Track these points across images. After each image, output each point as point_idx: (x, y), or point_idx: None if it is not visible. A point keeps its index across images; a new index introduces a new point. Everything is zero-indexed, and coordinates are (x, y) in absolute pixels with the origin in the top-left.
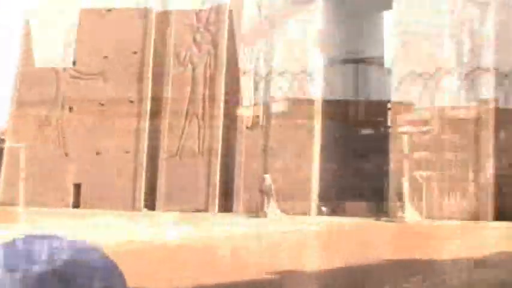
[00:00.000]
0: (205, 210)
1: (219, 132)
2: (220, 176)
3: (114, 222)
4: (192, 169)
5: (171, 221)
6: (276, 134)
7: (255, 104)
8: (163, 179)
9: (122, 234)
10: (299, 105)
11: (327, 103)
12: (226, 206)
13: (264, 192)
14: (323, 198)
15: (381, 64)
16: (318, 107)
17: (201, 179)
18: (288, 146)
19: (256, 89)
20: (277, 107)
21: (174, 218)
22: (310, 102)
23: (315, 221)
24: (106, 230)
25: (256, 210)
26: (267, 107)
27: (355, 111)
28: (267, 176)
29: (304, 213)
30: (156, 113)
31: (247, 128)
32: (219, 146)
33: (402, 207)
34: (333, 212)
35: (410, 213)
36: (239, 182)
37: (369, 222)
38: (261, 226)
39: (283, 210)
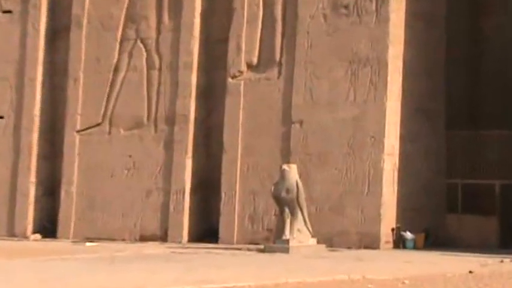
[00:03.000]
0: (160, 237)
1: (192, 80)
2: (194, 169)
3: None
4: (134, 155)
5: None
6: (311, 80)
7: (263, 21)
8: (75, 173)
9: None
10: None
11: None
12: (201, 229)
13: (282, 201)
14: (408, 214)
15: None
16: None
17: (150, 176)
18: (335, 106)
19: None
20: (315, 26)
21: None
22: None
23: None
24: None
25: (266, 238)
26: (291, 25)
27: None
28: (292, 168)
29: (367, 246)
30: (59, 38)
31: (248, 68)
32: (190, 111)
33: None
34: (426, 240)
35: None
36: (229, 182)
37: None
38: None
39: (324, 239)
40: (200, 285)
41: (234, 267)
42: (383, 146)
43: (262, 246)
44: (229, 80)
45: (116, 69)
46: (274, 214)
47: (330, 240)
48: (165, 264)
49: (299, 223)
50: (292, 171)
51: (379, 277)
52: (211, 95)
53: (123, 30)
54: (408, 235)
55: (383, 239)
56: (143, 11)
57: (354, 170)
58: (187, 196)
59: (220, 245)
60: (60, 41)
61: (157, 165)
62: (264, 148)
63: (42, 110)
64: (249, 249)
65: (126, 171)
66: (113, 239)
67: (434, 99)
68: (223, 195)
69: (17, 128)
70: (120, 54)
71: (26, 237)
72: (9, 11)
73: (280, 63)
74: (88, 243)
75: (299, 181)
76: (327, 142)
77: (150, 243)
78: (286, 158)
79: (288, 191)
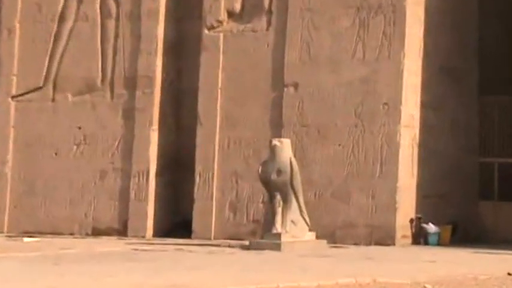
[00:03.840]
0: (118, 231)
1: (157, 33)
2: (160, 145)
3: None
4: (85, 127)
5: None
6: (309, 32)
7: None
8: (9, 150)
9: None
10: None
11: None
12: (170, 221)
13: (272, 185)
14: (431, 201)
15: None
16: None
17: (105, 153)
18: (339, 65)
19: None
20: None
21: None
22: None
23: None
24: None
25: (252, 232)
26: None
27: None
28: (284, 143)
29: (379, 241)
30: None
31: (229, 17)
32: (156, 71)
33: None
34: (454, 234)
35: None
36: (206, 161)
37: None
38: None
39: (325, 233)
40: None
41: (212, 268)
42: (399, 116)
43: (247, 242)
44: (206, 31)
45: (62, 18)
46: (262, 201)
47: (332, 234)
48: (125, 264)
49: (293, 213)
50: (285, 148)
51: (393, 280)
52: (183, 51)
53: None
54: (431, 228)
55: (399, 232)
56: None
57: (362, 146)
58: (152, 179)
59: (194, 241)
60: None
61: (114, 139)
62: (249, 118)
63: None
64: (230, 246)
65: (74, 148)
66: (58, 233)
67: (464, 57)
68: (197, 177)
69: None
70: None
71: None
72: None
73: (269, 11)
74: (27, 239)
75: (293, 160)
76: (329, 111)
77: (105, 238)
78: (277, 130)
79: (279, 172)
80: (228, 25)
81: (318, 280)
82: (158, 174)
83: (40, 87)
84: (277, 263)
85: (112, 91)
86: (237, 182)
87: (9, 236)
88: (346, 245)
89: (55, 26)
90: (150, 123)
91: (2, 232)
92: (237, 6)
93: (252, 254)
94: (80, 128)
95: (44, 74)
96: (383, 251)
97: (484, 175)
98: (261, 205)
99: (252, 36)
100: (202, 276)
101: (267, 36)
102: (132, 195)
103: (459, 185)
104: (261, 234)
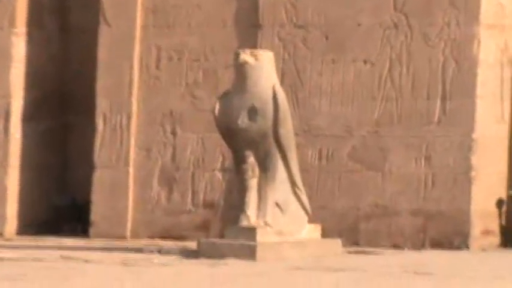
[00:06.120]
0: None
1: None
2: (30, 60)
3: None
4: None
5: None
6: None
7: None
8: None
9: None
10: None
11: None
12: (50, 204)
13: (241, 138)
14: None
15: None
16: None
17: None
18: None
19: None
20: None
21: None
22: None
23: None
24: None
25: (203, 224)
26: None
27: None
28: (262, 58)
29: (438, 242)
30: None
31: None
32: None
33: None
34: None
35: None
36: (114, 92)
37: None
38: None
39: (339, 227)
40: None
41: None
42: (478, 5)
43: (193, 245)
44: None
45: None
46: (221, 168)
47: (352, 228)
48: None
49: (280, 189)
50: (264, 67)
51: None
52: None
53: None
54: None
55: (477, 225)
56: None
57: (408, 63)
58: (15, 126)
59: (94, 242)
60: None
61: None
62: (196, 11)
63: None
64: (162, 252)
65: None
66: None
67: None
68: (100, 123)
69: None
70: None
71: None
72: None
73: None
74: None
75: (280, 90)
76: None
77: None
78: (251, 34)
79: (253, 113)
80: None
81: None
82: (27, 117)
83: None
84: (249, 284)
85: None
86: (174, 131)
87: None
88: (377, 249)
89: None
90: (12, 23)
91: None
92: None
93: (202, 266)
94: None
95: None
96: (447, 259)
97: None
98: (218, 174)
99: None
100: None
101: None
102: None
103: None
104: (220, 229)
